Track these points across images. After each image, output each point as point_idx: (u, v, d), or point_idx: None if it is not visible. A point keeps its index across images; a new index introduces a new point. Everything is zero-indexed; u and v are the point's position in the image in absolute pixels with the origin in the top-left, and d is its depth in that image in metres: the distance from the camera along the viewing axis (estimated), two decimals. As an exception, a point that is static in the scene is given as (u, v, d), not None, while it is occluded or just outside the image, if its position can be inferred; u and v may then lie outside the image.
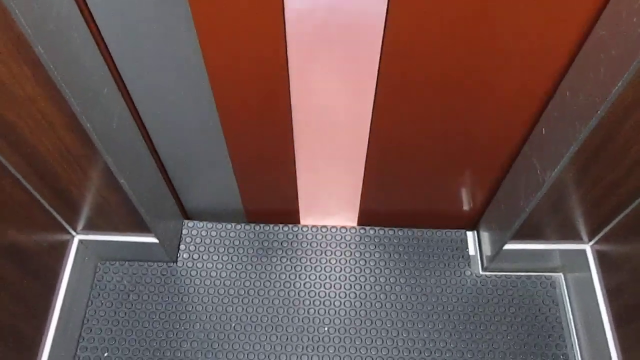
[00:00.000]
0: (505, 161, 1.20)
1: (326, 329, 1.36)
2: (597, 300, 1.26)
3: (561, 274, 1.43)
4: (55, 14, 0.75)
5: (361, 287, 1.41)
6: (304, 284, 1.41)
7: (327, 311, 1.38)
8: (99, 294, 1.39)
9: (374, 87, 0.98)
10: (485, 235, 1.42)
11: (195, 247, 1.46)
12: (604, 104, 0.81)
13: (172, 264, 1.43)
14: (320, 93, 1.02)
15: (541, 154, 1.03)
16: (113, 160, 0.99)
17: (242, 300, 1.39)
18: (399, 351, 1.35)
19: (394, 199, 1.37)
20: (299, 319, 1.37)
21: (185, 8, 0.83)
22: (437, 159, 1.20)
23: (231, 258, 1.44)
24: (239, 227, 1.48)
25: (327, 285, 1.41)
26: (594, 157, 0.98)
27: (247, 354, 1.34)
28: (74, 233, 1.30)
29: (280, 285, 1.41)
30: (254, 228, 1.48)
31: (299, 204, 1.40)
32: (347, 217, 1.45)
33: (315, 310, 1.38)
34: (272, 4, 0.82)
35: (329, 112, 1.07)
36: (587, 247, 1.31)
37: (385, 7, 0.82)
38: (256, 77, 0.97)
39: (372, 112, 1.05)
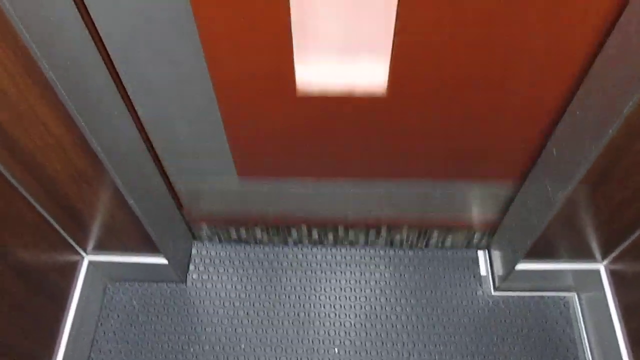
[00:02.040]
0: (517, 180, 1.20)
1: (336, 350, 1.35)
2: (611, 320, 1.24)
3: (575, 294, 1.41)
4: (66, 36, 0.76)
5: (371, 307, 1.40)
6: (314, 305, 1.40)
7: (337, 332, 1.37)
8: (109, 315, 1.39)
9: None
10: (496, 255, 1.40)
11: (205, 267, 1.46)
12: (614, 123, 0.81)
13: (181, 284, 1.43)
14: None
15: (552, 174, 1.02)
16: (122, 181, 0.99)
17: (251, 321, 1.38)
18: (410, 373, 1.33)
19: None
20: (308, 340, 1.36)
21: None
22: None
23: (240, 279, 1.44)
24: (248, 247, 1.48)
25: (337, 306, 1.40)
26: (605, 176, 0.97)
27: (257, 376, 1.33)
28: (83, 254, 1.30)
29: (289, 306, 1.40)
30: (264, 248, 1.48)
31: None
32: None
33: (325, 331, 1.37)
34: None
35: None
36: (601, 266, 1.29)
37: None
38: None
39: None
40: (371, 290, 1.42)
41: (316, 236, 1.44)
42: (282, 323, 1.38)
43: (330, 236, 1.44)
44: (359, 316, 1.39)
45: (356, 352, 1.35)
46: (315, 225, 1.40)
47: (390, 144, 1.09)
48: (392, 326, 1.38)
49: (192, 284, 1.43)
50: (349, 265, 1.46)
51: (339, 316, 1.39)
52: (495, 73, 0.90)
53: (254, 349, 1.35)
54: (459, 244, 1.46)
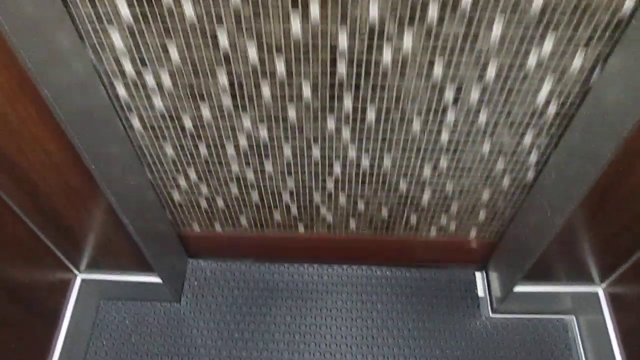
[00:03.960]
0: (515, 201, 1.19)
1: (332, 372, 1.33)
2: (610, 344, 1.23)
3: (573, 317, 1.39)
4: (61, 54, 0.76)
5: (368, 329, 1.38)
6: (309, 326, 1.38)
7: (332, 354, 1.35)
8: (101, 334, 1.37)
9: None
10: (494, 276, 1.39)
11: (200, 286, 1.44)
12: (614, 146, 0.80)
13: (175, 303, 1.41)
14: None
15: (551, 196, 1.01)
16: (117, 199, 0.98)
17: (246, 343, 1.36)
18: (406, 396, 1.31)
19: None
20: (304, 362, 1.34)
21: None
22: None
23: (236, 299, 1.42)
24: (243, 266, 1.47)
25: (333, 328, 1.38)
26: (605, 198, 0.97)
27: (251, 398, 1.31)
28: (76, 272, 1.29)
29: (285, 327, 1.38)
30: (259, 268, 1.46)
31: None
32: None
33: (321, 354, 1.35)
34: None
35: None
36: (599, 289, 1.28)
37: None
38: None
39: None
40: (367, 312, 1.40)
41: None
42: (277, 345, 1.36)
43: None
44: (355, 338, 1.37)
45: (352, 374, 1.33)
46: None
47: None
48: (389, 348, 1.36)
49: (186, 303, 1.41)
50: (345, 285, 1.44)
51: (335, 338, 1.37)
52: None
53: (248, 371, 1.33)
54: (456, 265, 1.44)
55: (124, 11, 0.76)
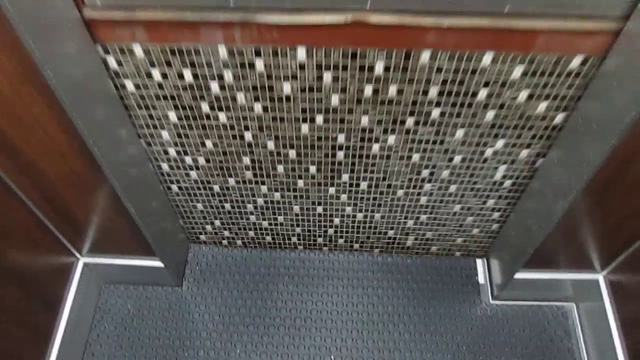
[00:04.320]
0: (517, 187, 1.19)
1: (332, 357, 1.34)
2: (610, 332, 1.23)
3: (573, 304, 1.40)
4: (65, 37, 0.75)
5: (368, 315, 1.39)
6: (310, 312, 1.39)
7: (333, 340, 1.36)
8: (103, 318, 1.38)
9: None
10: (495, 264, 1.39)
11: (201, 271, 1.44)
12: (617, 133, 0.80)
13: (177, 288, 1.42)
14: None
15: (553, 183, 1.01)
16: (120, 184, 0.98)
17: (247, 327, 1.37)
18: (406, 381, 1.32)
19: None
20: (305, 347, 1.35)
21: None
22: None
23: (237, 283, 1.42)
24: (245, 251, 1.47)
25: (334, 313, 1.39)
26: (607, 186, 0.97)
27: (252, 382, 1.31)
28: (78, 256, 1.29)
29: (286, 312, 1.39)
30: (261, 253, 1.47)
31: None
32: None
33: (321, 339, 1.36)
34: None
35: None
36: (600, 277, 1.28)
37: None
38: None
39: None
40: (368, 298, 1.41)
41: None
42: (278, 329, 1.37)
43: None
44: (356, 323, 1.38)
45: None
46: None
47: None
48: (389, 334, 1.36)
49: (188, 287, 1.42)
50: (346, 271, 1.45)
51: (336, 323, 1.38)
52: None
53: (249, 355, 1.33)
54: (457, 251, 1.45)
55: (171, 114, 0.99)
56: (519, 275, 1.28)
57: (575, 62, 0.84)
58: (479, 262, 1.46)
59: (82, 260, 1.30)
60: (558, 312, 1.40)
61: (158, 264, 1.29)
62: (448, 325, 1.38)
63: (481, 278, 1.44)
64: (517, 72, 0.86)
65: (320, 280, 1.43)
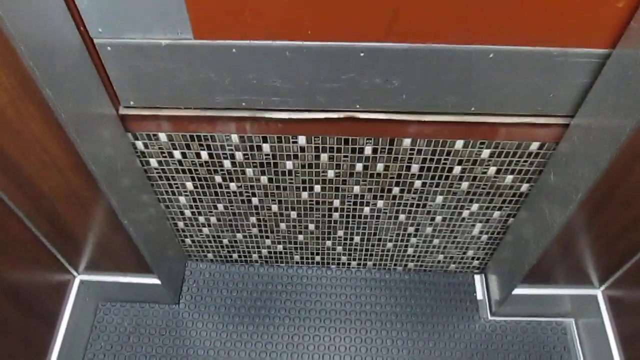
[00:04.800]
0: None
1: (331, 375, 1.33)
2: (609, 347, 1.22)
3: (572, 320, 1.39)
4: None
5: (367, 332, 1.38)
6: (308, 328, 1.38)
7: (331, 357, 1.35)
8: (99, 336, 1.37)
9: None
10: (493, 279, 1.39)
11: (198, 288, 1.44)
12: (614, 147, 0.80)
13: (174, 305, 1.41)
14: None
15: (550, 198, 1.02)
16: (117, 201, 0.98)
17: (244, 345, 1.36)
18: (405, 399, 1.31)
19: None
20: (302, 364, 1.34)
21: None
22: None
23: (234, 301, 1.42)
24: (242, 268, 1.46)
25: (332, 330, 1.38)
26: (605, 201, 0.97)
27: (249, 401, 1.30)
28: (75, 273, 1.28)
29: (283, 329, 1.38)
30: (258, 270, 1.46)
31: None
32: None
33: (319, 356, 1.35)
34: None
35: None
36: (599, 292, 1.28)
37: None
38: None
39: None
40: (366, 314, 1.40)
41: (308, 179, 1.26)
42: (276, 347, 1.36)
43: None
44: (354, 340, 1.37)
45: (351, 377, 1.32)
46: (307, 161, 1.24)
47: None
48: (388, 351, 1.36)
49: (185, 305, 1.41)
50: (344, 288, 1.44)
51: (334, 340, 1.37)
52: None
53: (246, 373, 1.32)
54: (455, 267, 1.44)
55: (188, 184, 1.15)
56: (517, 291, 1.27)
57: (534, 146, 1.00)
58: (477, 278, 1.46)
59: (79, 278, 1.29)
60: (557, 327, 1.39)
61: (155, 281, 1.29)
62: (446, 341, 1.37)
63: (479, 294, 1.44)
64: (485, 153, 1.02)
65: (317, 297, 1.43)
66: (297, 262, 1.46)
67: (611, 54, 0.79)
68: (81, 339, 1.33)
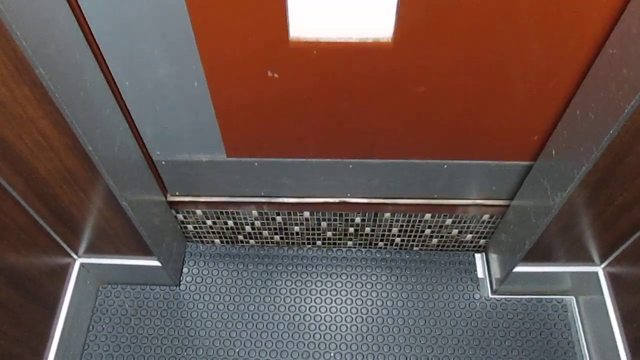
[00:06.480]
0: (515, 181, 1.19)
1: (332, 354, 1.33)
2: (610, 325, 1.22)
3: (573, 297, 1.40)
4: (57, 35, 0.75)
5: (368, 310, 1.38)
6: (309, 308, 1.39)
7: (333, 336, 1.35)
8: (100, 318, 1.37)
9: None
10: (494, 258, 1.39)
11: (199, 270, 1.44)
12: (616, 124, 0.79)
13: (174, 287, 1.41)
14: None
15: (551, 175, 1.01)
16: (115, 182, 0.97)
17: (246, 325, 1.36)
18: (407, 377, 1.31)
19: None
20: (304, 344, 1.34)
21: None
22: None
23: (235, 281, 1.42)
24: (242, 249, 1.46)
25: (333, 309, 1.38)
26: (606, 178, 0.96)
27: (251, 381, 1.31)
28: (75, 256, 1.28)
29: (285, 309, 1.38)
30: (258, 251, 1.46)
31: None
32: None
33: (321, 335, 1.35)
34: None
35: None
36: (599, 269, 1.28)
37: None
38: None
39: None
40: (367, 293, 1.40)
41: (311, 237, 1.42)
42: (278, 327, 1.36)
43: (326, 237, 1.43)
44: (355, 320, 1.37)
45: (352, 356, 1.33)
46: (311, 226, 1.38)
47: (392, 115, 1.01)
48: (389, 329, 1.36)
49: (186, 286, 1.41)
50: (345, 267, 1.44)
51: (335, 319, 1.37)
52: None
53: (248, 353, 1.33)
54: (456, 246, 1.44)
55: (217, 241, 1.45)
56: (518, 269, 1.27)
57: (485, 217, 1.30)
58: (477, 256, 1.46)
59: (79, 261, 1.29)
60: (558, 305, 1.39)
61: (155, 263, 1.29)
62: (447, 319, 1.37)
63: (480, 272, 1.44)
64: (449, 221, 1.33)
65: (319, 277, 1.43)
66: (297, 243, 1.47)
67: (533, 165, 1.10)
68: (82, 322, 1.33)
